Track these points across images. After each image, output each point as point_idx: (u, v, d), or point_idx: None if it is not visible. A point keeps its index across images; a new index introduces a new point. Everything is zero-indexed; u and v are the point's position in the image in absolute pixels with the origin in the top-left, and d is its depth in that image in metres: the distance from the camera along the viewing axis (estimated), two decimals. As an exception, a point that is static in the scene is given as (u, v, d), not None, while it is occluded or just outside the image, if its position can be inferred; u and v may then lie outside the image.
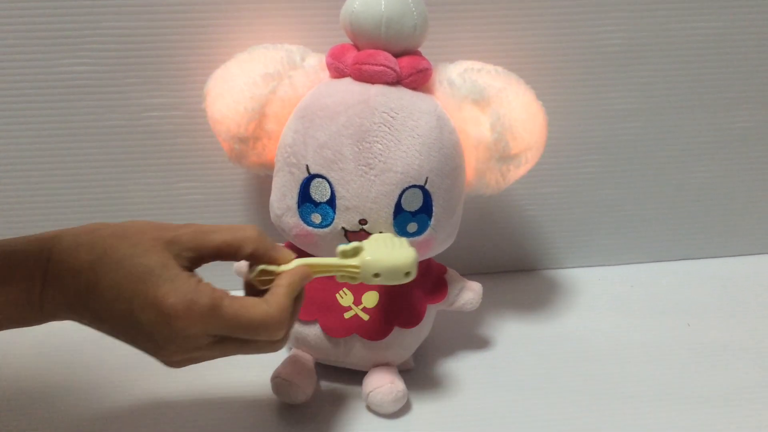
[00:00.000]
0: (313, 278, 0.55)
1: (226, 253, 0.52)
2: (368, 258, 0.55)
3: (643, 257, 0.87)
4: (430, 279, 0.68)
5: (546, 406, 0.66)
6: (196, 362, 0.52)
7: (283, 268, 0.53)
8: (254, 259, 0.53)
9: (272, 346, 0.53)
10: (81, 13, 0.69)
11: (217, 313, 0.49)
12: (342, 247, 0.55)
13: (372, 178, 0.60)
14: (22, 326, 0.52)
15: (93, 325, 0.51)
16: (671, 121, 0.81)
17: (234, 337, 0.51)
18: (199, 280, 0.50)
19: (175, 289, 0.48)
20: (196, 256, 0.51)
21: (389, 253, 0.56)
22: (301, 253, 0.64)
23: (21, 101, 0.71)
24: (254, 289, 0.54)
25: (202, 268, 0.52)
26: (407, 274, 0.56)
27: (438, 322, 0.70)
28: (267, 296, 0.52)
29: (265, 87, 0.63)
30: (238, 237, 0.52)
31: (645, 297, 0.82)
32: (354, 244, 0.55)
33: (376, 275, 0.55)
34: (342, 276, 0.56)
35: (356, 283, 0.56)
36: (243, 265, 0.63)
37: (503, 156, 0.64)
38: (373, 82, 0.62)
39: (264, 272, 0.53)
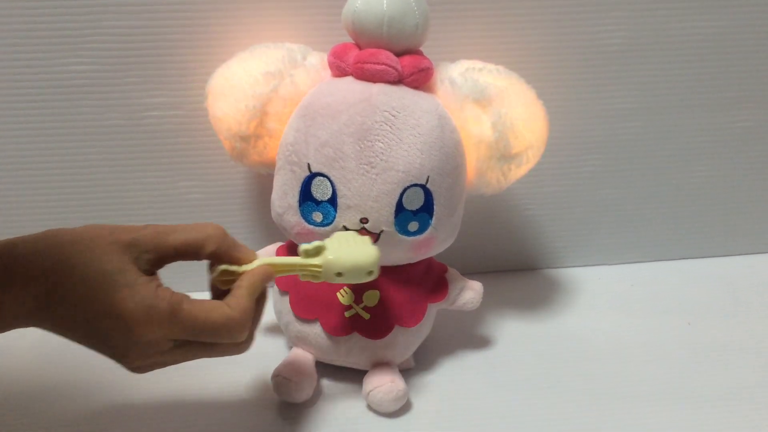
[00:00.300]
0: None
1: (188, 252, 0.52)
2: (330, 257, 0.55)
3: (644, 256, 0.87)
4: (431, 278, 0.68)
5: (546, 405, 0.66)
6: (160, 367, 0.52)
7: (245, 268, 0.53)
8: (216, 258, 0.53)
9: (236, 348, 0.52)
10: (81, 12, 0.69)
11: (177, 318, 0.48)
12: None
13: (373, 176, 0.60)
14: None
15: (54, 332, 0.49)
16: (671, 120, 0.81)
17: (196, 340, 0.50)
18: (159, 285, 0.49)
19: (133, 294, 0.47)
20: (156, 258, 0.51)
21: (351, 252, 0.56)
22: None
23: (21, 100, 0.71)
24: (218, 289, 0.53)
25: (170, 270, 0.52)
26: (370, 272, 0.56)
27: (438, 322, 0.70)
28: (228, 298, 0.51)
29: (266, 85, 0.63)
30: (199, 236, 0.52)
31: (645, 296, 0.82)
32: (316, 243, 0.55)
33: (339, 274, 0.55)
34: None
35: (318, 281, 0.56)
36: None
37: (504, 155, 0.64)
38: (374, 81, 0.62)
39: (225, 272, 0.53)
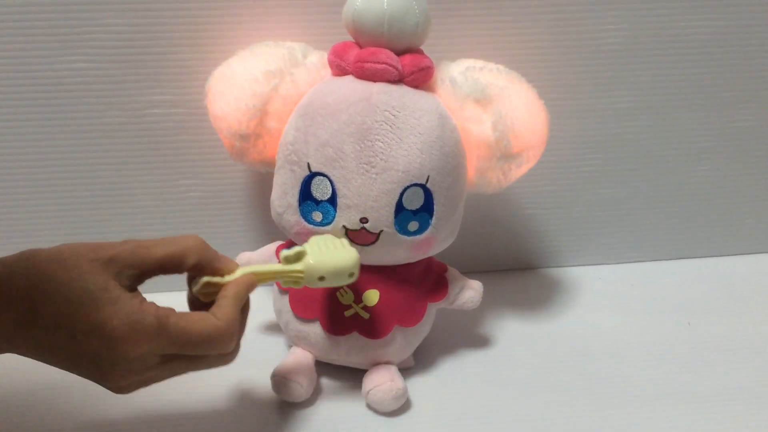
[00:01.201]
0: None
1: (169, 266, 0.51)
2: (311, 262, 0.55)
3: (644, 256, 0.87)
4: (431, 277, 0.68)
5: (546, 404, 0.66)
6: (146, 385, 0.51)
7: (227, 278, 0.53)
8: (198, 270, 0.52)
9: (223, 359, 0.52)
10: (82, 9, 0.69)
11: (164, 332, 0.48)
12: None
13: (373, 176, 0.60)
14: None
15: (34, 356, 0.49)
16: (672, 119, 0.81)
17: (183, 354, 0.50)
18: (142, 300, 0.49)
19: (118, 311, 0.47)
20: (138, 273, 0.50)
21: (332, 255, 0.56)
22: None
23: (21, 98, 0.71)
24: (198, 302, 0.53)
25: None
26: (351, 274, 0.56)
27: (438, 321, 0.70)
28: (214, 309, 0.51)
29: (266, 84, 0.63)
30: (179, 249, 0.51)
31: (645, 296, 0.81)
32: (296, 248, 0.55)
33: (321, 278, 0.55)
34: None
35: (300, 287, 0.56)
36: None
37: (505, 155, 0.64)
38: (374, 80, 0.62)
39: (208, 284, 0.52)
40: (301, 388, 0.64)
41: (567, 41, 0.75)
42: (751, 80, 0.80)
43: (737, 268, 0.86)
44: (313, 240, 0.57)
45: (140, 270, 0.50)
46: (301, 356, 0.66)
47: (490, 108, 0.63)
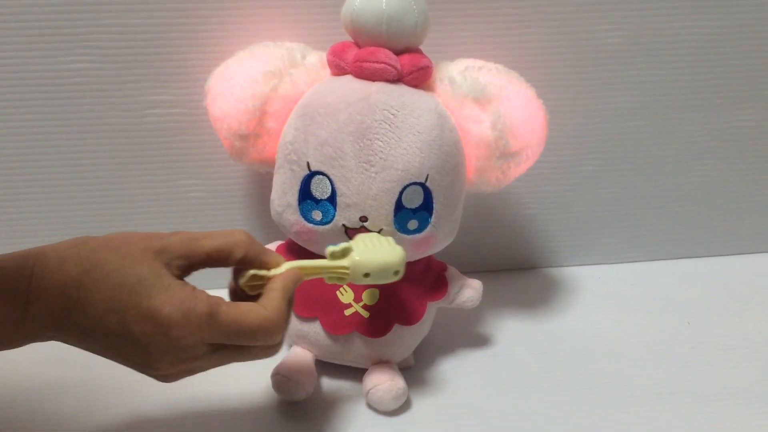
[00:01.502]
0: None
1: (217, 259, 0.52)
2: (357, 258, 0.55)
3: (643, 256, 0.87)
4: (431, 276, 0.68)
5: (545, 404, 0.66)
6: (191, 374, 0.52)
7: (274, 272, 0.53)
8: (244, 264, 0.53)
9: (268, 351, 0.53)
10: (82, 9, 0.69)
11: (215, 321, 0.48)
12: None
13: (373, 175, 0.60)
14: (3, 348, 0.50)
15: (81, 344, 0.50)
16: (671, 119, 0.81)
17: (231, 344, 0.50)
18: (194, 288, 0.49)
19: (171, 298, 0.48)
20: (186, 264, 0.51)
21: (377, 252, 0.56)
22: (301, 251, 0.65)
23: (22, 98, 0.71)
24: (241, 295, 0.54)
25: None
26: (396, 272, 0.56)
27: (438, 320, 0.70)
28: (262, 300, 0.51)
29: (265, 85, 0.63)
30: (228, 242, 0.52)
31: (645, 295, 0.81)
32: (342, 245, 0.55)
33: (366, 275, 0.55)
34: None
35: (345, 283, 0.56)
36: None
37: (504, 154, 0.64)
38: (373, 80, 0.62)
39: (255, 277, 0.53)
40: (301, 388, 0.64)
41: (566, 41, 0.76)
42: (750, 80, 0.80)
43: (736, 267, 0.86)
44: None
45: (189, 261, 0.51)
46: (301, 355, 0.67)
47: (489, 107, 0.63)
